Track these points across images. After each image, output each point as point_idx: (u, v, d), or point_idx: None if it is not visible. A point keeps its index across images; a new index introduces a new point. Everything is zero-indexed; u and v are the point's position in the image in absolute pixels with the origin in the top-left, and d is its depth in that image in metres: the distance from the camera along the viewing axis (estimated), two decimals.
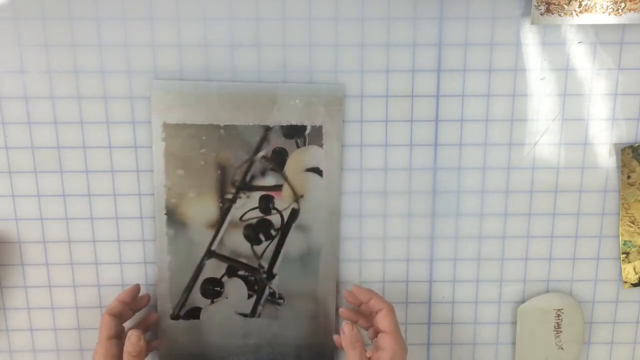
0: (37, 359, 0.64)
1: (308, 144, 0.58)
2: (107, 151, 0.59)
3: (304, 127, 0.58)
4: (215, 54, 0.57)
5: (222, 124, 0.58)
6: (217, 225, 0.60)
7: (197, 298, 0.61)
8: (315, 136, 0.58)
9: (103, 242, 0.61)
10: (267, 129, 0.58)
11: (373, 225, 0.62)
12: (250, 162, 0.59)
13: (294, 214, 0.60)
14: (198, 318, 0.62)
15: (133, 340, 0.55)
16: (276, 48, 0.57)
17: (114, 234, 0.61)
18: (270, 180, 0.59)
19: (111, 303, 0.58)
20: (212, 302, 0.62)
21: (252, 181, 0.59)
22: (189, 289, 0.61)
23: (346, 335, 0.55)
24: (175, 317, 0.62)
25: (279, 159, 0.59)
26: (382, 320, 0.56)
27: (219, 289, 0.61)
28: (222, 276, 0.61)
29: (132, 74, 0.57)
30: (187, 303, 0.61)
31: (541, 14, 0.55)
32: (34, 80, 0.57)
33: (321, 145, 0.58)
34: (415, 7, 0.56)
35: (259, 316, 0.62)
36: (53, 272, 0.62)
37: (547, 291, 0.64)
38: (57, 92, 0.57)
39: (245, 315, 0.62)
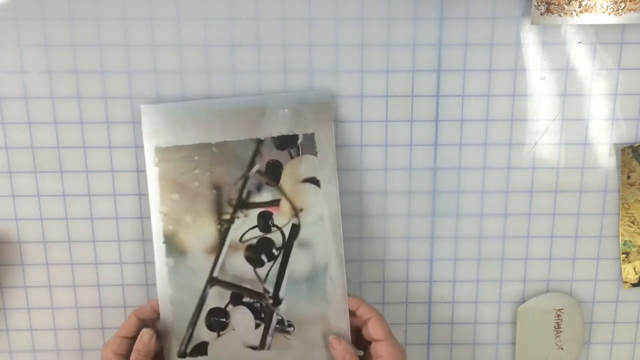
0: (37, 359, 0.64)
1: (302, 154, 0.57)
2: (107, 151, 0.59)
3: (295, 137, 0.57)
4: (215, 54, 0.57)
5: (213, 142, 0.57)
6: (217, 249, 0.58)
7: (202, 332, 0.58)
8: (308, 145, 0.57)
9: (103, 242, 0.61)
10: (259, 141, 0.57)
11: (373, 225, 0.62)
12: (245, 178, 0.57)
13: (295, 229, 0.58)
14: (206, 354, 0.58)
15: (145, 338, 0.55)
16: (276, 48, 0.57)
17: (114, 234, 0.61)
18: (267, 195, 0.58)
19: (144, 306, 0.58)
20: (219, 335, 0.58)
21: (248, 198, 0.58)
22: (193, 322, 0.58)
23: (337, 350, 0.55)
24: (182, 355, 0.58)
25: (273, 172, 0.57)
26: (374, 328, 0.55)
27: (224, 319, 0.58)
28: (227, 305, 0.58)
29: (132, 74, 0.57)
30: (192, 338, 0.58)
31: (541, 14, 0.55)
32: (34, 80, 0.57)
33: (315, 154, 0.57)
34: (415, 7, 0.56)
35: (269, 348, 0.59)
36: (53, 272, 0.62)
37: (547, 291, 0.64)
38: (57, 92, 0.57)
39: (254, 348, 0.58)
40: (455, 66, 0.58)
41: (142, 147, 0.58)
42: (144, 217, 0.60)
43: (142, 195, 0.60)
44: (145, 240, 0.61)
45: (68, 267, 0.62)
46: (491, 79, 0.58)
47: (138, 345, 0.55)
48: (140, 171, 0.59)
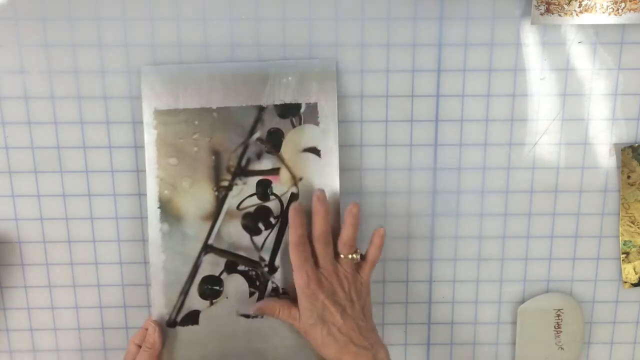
0: (37, 359, 0.64)
1: (304, 123, 0.57)
2: (107, 151, 0.59)
3: (298, 105, 0.57)
4: (216, 54, 0.57)
5: (214, 107, 0.56)
6: (214, 216, 0.57)
7: (195, 300, 0.58)
8: (311, 114, 0.57)
9: (103, 242, 0.61)
10: (261, 109, 0.56)
11: (373, 225, 0.61)
12: (245, 145, 0.57)
13: (294, 198, 0.58)
14: (197, 323, 0.58)
15: (150, 330, 0.56)
16: (276, 48, 0.57)
17: (114, 234, 0.61)
18: (266, 163, 0.57)
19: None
20: (212, 304, 0.58)
21: (248, 165, 0.57)
22: (185, 290, 0.58)
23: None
24: (171, 323, 0.58)
25: (274, 141, 0.57)
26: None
27: (218, 287, 0.58)
28: (221, 273, 0.58)
29: (132, 74, 0.57)
30: (184, 307, 0.58)
31: (541, 14, 0.55)
32: (34, 80, 0.57)
33: (317, 124, 0.57)
34: (415, 7, 0.56)
35: (262, 316, 0.59)
36: (53, 272, 0.62)
37: (547, 291, 0.64)
38: (57, 92, 0.57)
39: (247, 317, 0.59)
40: (455, 66, 0.58)
41: (143, 147, 0.58)
42: (144, 217, 0.60)
43: (142, 195, 0.60)
44: (145, 240, 0.61)
45: (68, 267, 0.62)
46: (491, 79, 0.58)
47: (146, 337, 0.57)
48: (141, 171, 0.59)
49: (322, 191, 0.56)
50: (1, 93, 0.57)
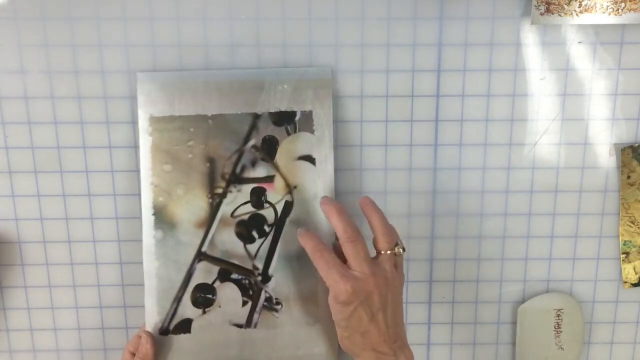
0: (37, 359, 0.64)
1: (299, 131, 0.57)
2: (106, 151, 0.59)
3: (293, 113, 0.57)
4: (216, 54, 0.57)
5: (209, 114, 0.56)
6: (208, 223, 0.57)
7: (187, 308, 0.58)
8: (306, 122, 0.57)
9: (103, 242, 0.61)
10: (256, 116, 0.57)
11: None
12: (240, 152, 0.57)
13: (288, 206, 0.58)
14: (189, 332, 0.58)
15: (142, 341, 0.56)
16: (276, 48, 0.57)
17: (114, 234, 0.61)
18: (261, 171, 0.57)
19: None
20: (204, 312, 0.58)
21: (242, 173, 0.57)
22: (178, 298, 0.57)
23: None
24: (164, 331, 0.58)
25: (269, 148, 0.57)
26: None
27: (211, 296, 0.58)
28: (214, 281, 0.58)
29: (132, 74, 0.57)
30: (176, 315, 0.58)
31: (541, 14, 0.55)
32: (34, 80, 0.57)
33: (312, 132, 0.57)
34: (415, 7, 0.56)
35: (255, 326, 0.58)
36: (53, 272, 0.62)
37: (547, 291, 0.64)
38: (57, 92, 0.57)
39: (240, 326, 0.58)
40: (455, 66, 0.58)
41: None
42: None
43: (142, 195, 0.60)
44: None
45: (68, 267, 0.62)
46: (491, 79, 0.58)
47: (139, 347, 0.56)
48: (140, 171, 0.59)
49: (326, 196, 0.56)
50: (1, 93, 0.57)
